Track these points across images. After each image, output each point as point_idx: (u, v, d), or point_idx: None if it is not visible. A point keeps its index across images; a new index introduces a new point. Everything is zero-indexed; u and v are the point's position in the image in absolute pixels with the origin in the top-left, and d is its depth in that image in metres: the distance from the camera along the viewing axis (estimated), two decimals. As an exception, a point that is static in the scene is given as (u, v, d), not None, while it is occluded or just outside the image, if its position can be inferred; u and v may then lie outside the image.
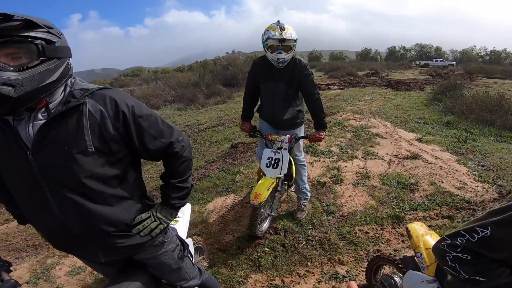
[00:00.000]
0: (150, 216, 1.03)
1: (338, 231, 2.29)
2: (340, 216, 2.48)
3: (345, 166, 3.39)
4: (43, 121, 0.85)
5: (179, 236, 1.30)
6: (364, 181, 3.00)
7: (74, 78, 0.94)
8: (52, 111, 0.86)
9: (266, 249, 2.20)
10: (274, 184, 2.10)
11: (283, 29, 1.95)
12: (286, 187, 2.55)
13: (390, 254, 1.50)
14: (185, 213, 1.75)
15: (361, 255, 2.05)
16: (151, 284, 1.17)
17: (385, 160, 3.46)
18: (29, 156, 0.84)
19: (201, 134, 5.16)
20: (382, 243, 2.14)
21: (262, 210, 2.21)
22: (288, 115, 2.18)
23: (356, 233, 2.25)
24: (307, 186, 2.51)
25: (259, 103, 2.40)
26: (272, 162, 2.11)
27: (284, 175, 2.15)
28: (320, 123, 2.20)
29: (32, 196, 0.90)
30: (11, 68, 0.75)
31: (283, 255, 2.12)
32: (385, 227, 2.31)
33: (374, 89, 9.70)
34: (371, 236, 2.22)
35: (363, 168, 3.30)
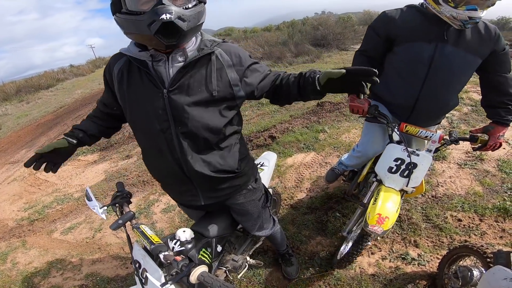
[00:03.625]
0: None
1: (424, 211, 2.06)
2: (432, 196, 2.20)
3: (453, 143, 2.91)
4: (181, 64, 0.92)
5: (264, 185, 1.36)
6: (475, 163, 2.52)
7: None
8: (188, 55, 0.92)
9: (337, 214, 2.14)
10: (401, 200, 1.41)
11: None
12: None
13: (482, 245, 1.31)
14: (271, 162, 1.76)
15: (442, 242, 1.84)
16: (230, 228, 1.26)
17: (510, 144, 2.80)
18: (165, 94, 0.91)
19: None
20: (475, 235, 1.86)
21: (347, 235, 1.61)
22: (449, 102, 1.48)
23: (446, 218, 1.99)
24: None
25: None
26: (403, 167, 1.38)
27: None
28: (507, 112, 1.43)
29: (158, 132, 0.95)
30: (180, 6, 0.81)
31: (353, 223, 2.05)
32: (486, 218, 1.96)
33: None
34: (464, 225, 1.94)
35: (477, 148, 2.77)
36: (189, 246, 0.99)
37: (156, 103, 0.92)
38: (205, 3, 0.90)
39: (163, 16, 0.76)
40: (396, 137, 1.44)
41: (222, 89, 0.94)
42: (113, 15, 0.86)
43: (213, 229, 1.16)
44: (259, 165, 1.69)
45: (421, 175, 1.37)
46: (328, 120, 3.70)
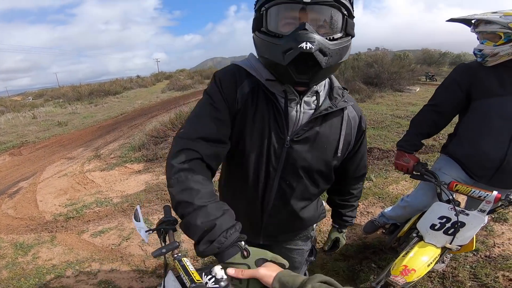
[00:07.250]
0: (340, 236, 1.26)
1: (473, 270, 1.88)
2: (485, 256, 2.00)
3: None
4: (311, 112, 0.80)
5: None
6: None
7: None
8: (320, 102, 0.79)
9: (373, 265, 1.97)
10: (438, 256, 1.33)
11: None
12: (445, 259, 1.85)
13: None
14: None
15: (488, 301, 1.62)
16: None
17: None
18: (287, 142, 0.79)
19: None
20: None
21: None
22: None
23: (497, 277, 1.80)
24: None
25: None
26: (448, 225, 1.31)
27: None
28: None
29: (261, 173, 0.85)
30: (324, 35, 0.66)
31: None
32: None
33: None
34: (516, 285, 1.71)
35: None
36: (223, 284, 0.95)
37: (274, 148, 0.80)
38: (353, 36, 0.73)
39: (303, 45, 0.62)
40: (445, 196, 1.36)
41: (343, 151, 0.88)
42: (252, 33, 0.76)
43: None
44: None
45: (469, 234, 1.31)
46: (375, 168, 3.44)
